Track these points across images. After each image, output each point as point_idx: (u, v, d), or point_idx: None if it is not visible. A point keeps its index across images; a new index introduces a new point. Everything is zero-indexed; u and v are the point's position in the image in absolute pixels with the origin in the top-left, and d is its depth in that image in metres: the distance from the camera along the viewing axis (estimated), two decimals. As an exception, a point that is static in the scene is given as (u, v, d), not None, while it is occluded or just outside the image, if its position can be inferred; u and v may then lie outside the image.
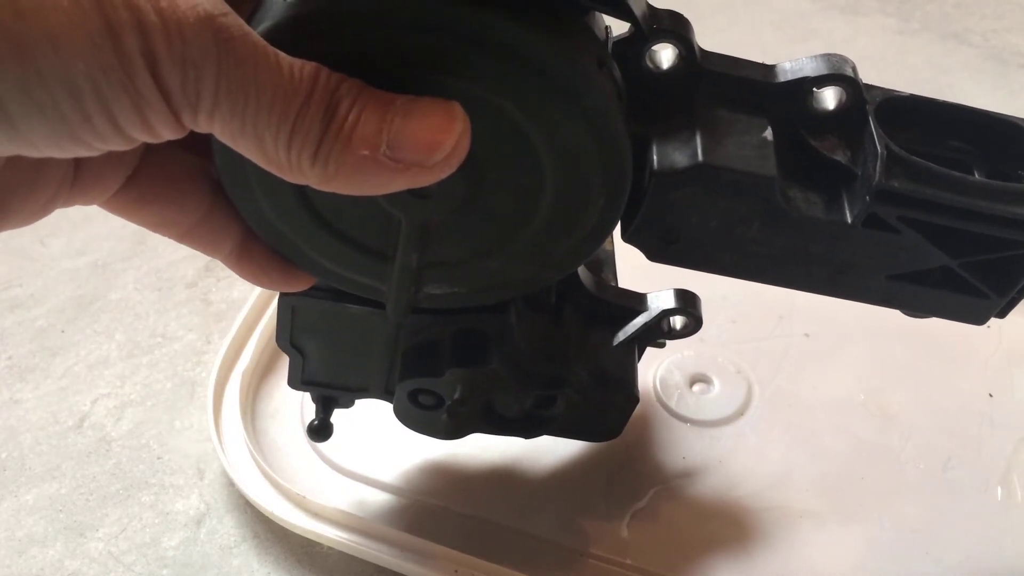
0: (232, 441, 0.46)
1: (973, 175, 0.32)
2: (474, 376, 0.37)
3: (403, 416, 0.40)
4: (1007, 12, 0.85)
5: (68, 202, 0.28)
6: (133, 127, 0.22)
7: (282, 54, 0.23)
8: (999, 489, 0.45)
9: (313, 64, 0.23)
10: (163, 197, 0.30)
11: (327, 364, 0.39)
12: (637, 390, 0.40)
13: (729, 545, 0.43)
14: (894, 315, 0.50)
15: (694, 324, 0.41)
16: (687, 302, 0.40)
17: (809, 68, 0.31)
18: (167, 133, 0.23)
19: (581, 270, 0.39)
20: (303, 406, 0.48)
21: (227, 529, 0.44)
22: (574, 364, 0.39)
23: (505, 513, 0.44)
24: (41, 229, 0.59)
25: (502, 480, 0.45)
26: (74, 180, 0.28)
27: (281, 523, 0.43)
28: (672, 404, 0.48)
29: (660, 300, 0.40)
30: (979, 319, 0.35)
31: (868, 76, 0.31)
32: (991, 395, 0.49)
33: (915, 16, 0.84)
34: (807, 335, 0.52)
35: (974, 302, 0.34)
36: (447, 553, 0.41)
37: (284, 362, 0.49)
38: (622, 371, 0.40)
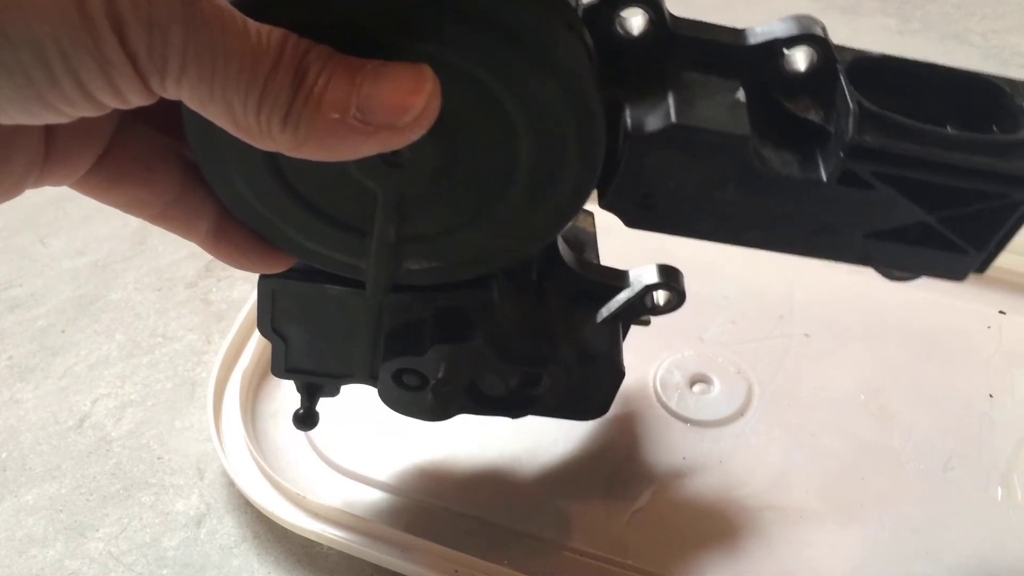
0: (232, 441, 0.46)
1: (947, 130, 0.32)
2: (457, 353, 0.37)
3: (388, 399, 0.40)
4: (1007, 12, 0.85)
5: (39, 182, 0.28)
6: (101, 91, 0.22)
7: (250, 20, 0.23)
8: (999, 489, 0.45)
9: (281, 30, 0.23)
10: (135, 177, 0.30)
11: (310, 350, 0.39)
12: (623, 365, 0.40)
13: (729, 545, 0.43)
14: (894, 315, 0.50)
15: (677, 299, 0.40)
16: (670, 276, 0.40)
17: (779, 30, 0.31)
18: (136, 98, 0.23)
19: (562, 248, 0.39)
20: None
21: (227, 529, 0.44)
22: (558, 341, 0.39)
23: (505, 513, 0.44)
24: (41, 229, 0.59)
25: (502, 480, 0.45)
26: (45, 159, 0.27)
27: (281, 523, 0.43)
28: (672, 404, 0.48)
29: (643, 276, 0.40)
30: (958, 274, 0.35)
31: None
32: (991, 395, 0.49)
33: (915, 16, 0.84)
34: (807, 335, 0.52)
35: (952, 257, 0.34)
36: (447, 553, 0.41)
37: (284, 362, 0.49)
38: (607, 347, 0.40)
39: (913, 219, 0.32)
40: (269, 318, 0.38)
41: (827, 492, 0.45)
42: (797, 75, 0.31)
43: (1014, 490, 0.45)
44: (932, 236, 0.33)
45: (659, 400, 0.48)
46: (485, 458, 0.45)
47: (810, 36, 0.30)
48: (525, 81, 0.27)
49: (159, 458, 0.47)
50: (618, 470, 0.46)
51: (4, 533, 0.44)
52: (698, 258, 0.44)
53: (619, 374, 0.40)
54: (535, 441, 0.46)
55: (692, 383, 0.49)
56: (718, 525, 0.44)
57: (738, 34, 0.31)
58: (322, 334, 0.38)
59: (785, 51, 0.31)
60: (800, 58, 0.31)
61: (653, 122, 0.30)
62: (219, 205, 0.31)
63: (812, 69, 0.31)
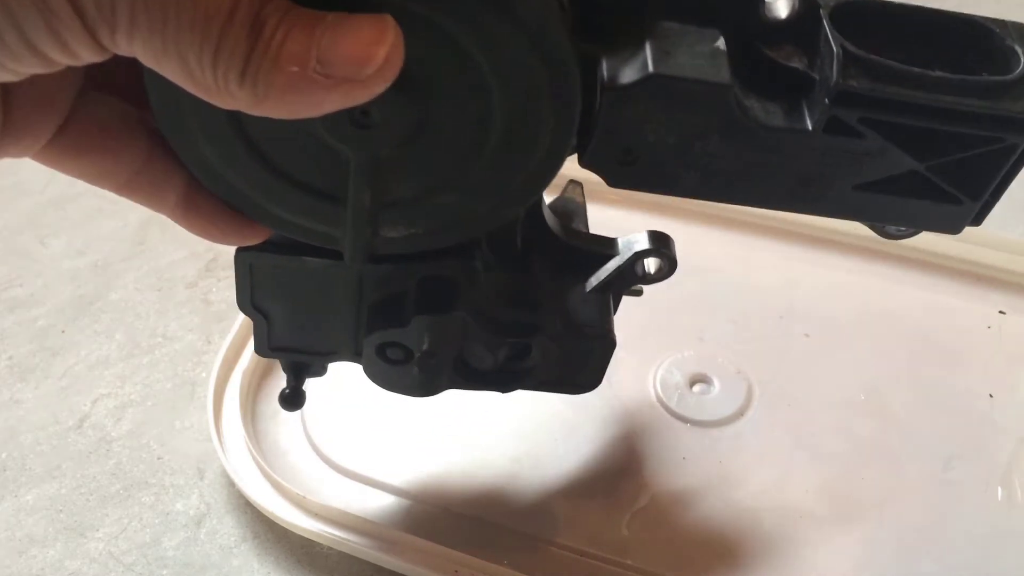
0: (232, 441, 0.46)
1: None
2: (441, 324, 0.36)
3: (374, 375, 0.39)
4: (1007, 12, 0.84)
5: None
6: (49, 47, 0.22)
7: None
8: (999, 489, 0.45)
9: None
10: (98, 146, 0.29)
11: (293, 327, 0.38)
12: (614, 334, 0.39)
13: (729, 545, 0.43)
14: (894, 315, 0.50)
15: (668, 266, 0.39)
16: (660, 243, 0.39)
17: None
18: (86, 54, 0.23)
19: (548, 216, 0.38)
20: (301, 410, 0.48)
21: (227, 529, 0.44)
22: (545, 311, 0.38)
23: (505, 513, 0.44)
24: (41, 229, 0.59)
25: (502, 480, 0.45)
26: (2, 127, 0.27)
27: (281, 523, 0.43)
28: (672, 404, 0.48)
29: (633, 242, 0.39)
30: (954, 227, 0.34)
31: None
32: (991, 395, 0.49)
33: (915, 16, 0.84)
34: (807, 335, 0.52)
35: (947, 209, 0.33)
36: (447, 553, 0.41)
37: (284, 362, 0.49)
38: (597, 316, 0.39)
39: (903, 168, 0.31)
40: (248, 294, 0.37)
41: (827, 492, 0.45)
42: (779, 22, 0.30)
43: (1014, 490, 0.45)
44: (924, 186, 0.32)
45: (659, 400, 0.48)
46: (485, 458, 0.45)
47: None
48: (493, 33, 0.26)
49: (159, 458, 0.47)
50: (618, 470, 0.46)
51: (4, 533, 0.44)
52: (698, 258, 0.44)
53: (610, 344, 0.39)
54: (535, 441, 0.46)
55: (692, 383, 0.49)
56: (718, 525, 0.44)
57: None
58: (303, 309, 0.37)
59: None
60: (781, 4, 0.30)
61: (630, 73, 0.29)
62: (187, 175, 0.30)
63: (794, 15, 0.30)
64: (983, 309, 0.54)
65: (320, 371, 0.41)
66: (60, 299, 0.55)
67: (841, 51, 0.29)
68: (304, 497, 0.43)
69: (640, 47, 0.30)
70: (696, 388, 0.49)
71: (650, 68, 0.29)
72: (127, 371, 0.51)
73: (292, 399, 0.40)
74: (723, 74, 0.29)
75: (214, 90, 0.23)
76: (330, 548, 0.43)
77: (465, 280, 0.35)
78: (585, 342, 0.39)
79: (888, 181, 0.32)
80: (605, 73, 0.29)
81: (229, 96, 0.23)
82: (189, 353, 0.52)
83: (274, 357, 0.40)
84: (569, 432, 0.46)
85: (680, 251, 0.39)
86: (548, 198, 0.40)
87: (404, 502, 0.44)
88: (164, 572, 0.43)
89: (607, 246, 0.40)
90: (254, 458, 0.45)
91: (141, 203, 0.31)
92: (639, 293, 0.41)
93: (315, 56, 0.23)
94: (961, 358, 0.51)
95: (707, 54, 0.30)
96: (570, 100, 0.28)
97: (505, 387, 0.41)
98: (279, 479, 0.43)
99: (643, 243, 0.39)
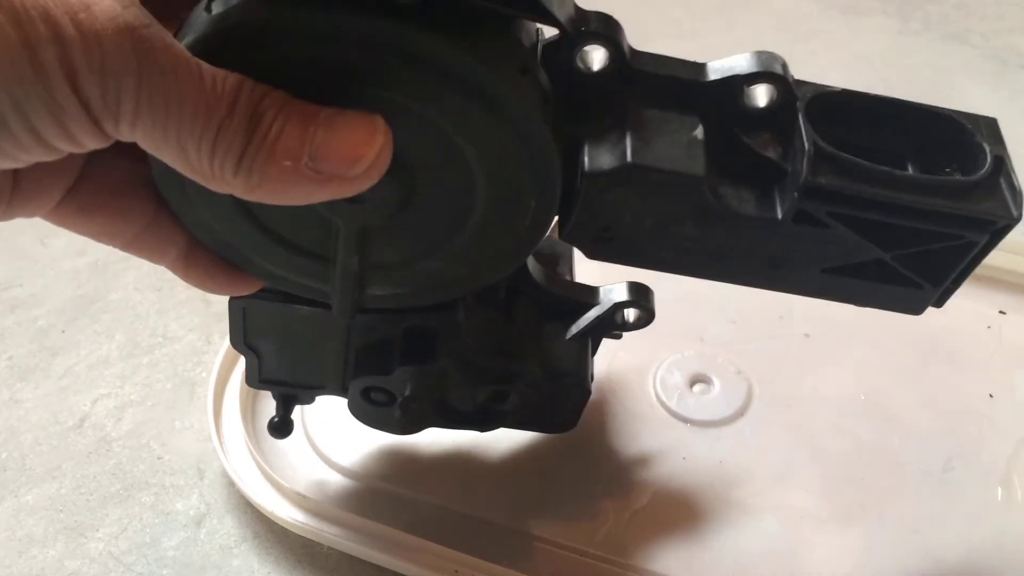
0: (232, 441, 0.46)
1: (907, 168, 0.32)
2: (423, 373, 0.37)
3: (358, 412, 0.40)
4: (1007, 13, 0.85)
5: (7, 214, 0.28)
6: (55, 137, 0.23)
7: (205, 65, 0.23)
8: (999, 489, 0.45)
9: (237, 76, 0.24)
10: (106, 207, 0.30)
11: (283, 363, 0.40)
12: (589, 383, 0.41)
13: (729, 545, 0.43)
14: (894, 315, 0.50)
15: (647, 317, 0.41)
16: (640, 295, 0.40)
17: (739, 66, 0.31)
18: (90, 143, 0.23)
19: (532, 264, 0.39)
20: (303, 407, 0.48)
21: (227, 529, 0.44)
22: (525, 359, 0.39)
23: (505, 513, 0.44)
24: (42, 229, 0.59)
25: (502, 480, 0.45)
26: (12, 192, 0.28)
27: (281, 523, 0.43)
28: (672, 404, 0.48)
29: (613, 293, 0.41)
30: (916, 309, 0.35)
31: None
32: (991, 395, 0.49)
33: (915, 16, 0.84)
34: (807, 335, 0.52)
35: (909, 292, 0.34)
36: (447, 553, 0.41)
37: (284, 362, 0.49)
38: (574, 364, 0.40)
39: (869, 256, 0.33)
40: (241, 334, 0.38)
41: (827, 492, 0.45)
42: (757, 111, 0.31)
43: (1014, 490, 0.45)
44: (888, 272, 0.33)
45: (659, 400, 0.48)
46: (485, 458, 0.45)
47: (769, 74, 0.30)
48: (479, 125, 0.27)
49: (159, 458, 0.47)
50: (618, 470, 0.46)
51: (4, 533, 0.44)
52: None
53: (585, 392, 0.41)
54: (535, 442, 0.46)
55: (692, 383, 0.49)
56: (718, 525, 0.44)
57: (698, 69, 0.31)
58: (294, 349, 0.39)
59: (745, 87, 0.31)
60: (760, 94, 0.31)
61: (609, 160, 0.30)
62: (188, 232, 0.32)
63: (772, 105, 0.31)
64: (983, 309, 0.54)
65: (309, 400, 0.42)
66: (60, 299, 0.55)
67: (812, 148, 0.30)
68: (304, 497, 0.43)
69: (621, 134, 0.31)
70: (696, 388, 0.49)
71: (628, 158, 0.30)
72: (127, 371, 0.51)
73: (280, 427, 0.41)
74: (698, 166, 0.30)
75: (209, 176, 0.24)
76: (330, 548, 0.43)
77: (448, 331, 0.37)
78: (561, 389, 0.41)
79: (854, 266, 0.33)
80: (587, 158, 0.30)
81: (224, 183, 0.24)
82: (189, 353, 0.52)
83: (264, 389, 0.42)
84: (569, 433, 0.46)
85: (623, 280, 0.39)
86: None
87: (404, 502, 0.44)
88: (164, 572, 0.43)
89: (588, 295, 0.41)
90: (254, 458, 0.45)
91: (144, 258, 0.32)
92: (619, 337, 0.43)
93: (308, 152, 0.24)
94: (961, 358, 0.51)
95: (684, 143, 0.31)
96: (551, 185, 0.29)
97: (484, 427, 0.42)
98: (279, 479, 0.43)
99: (623, 294, 0.41)
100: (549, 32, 0.29)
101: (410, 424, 0.41)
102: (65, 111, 0.22)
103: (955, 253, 0.32)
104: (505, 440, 0.43)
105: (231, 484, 0.45)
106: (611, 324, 0.41)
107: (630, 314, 0.41)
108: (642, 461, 0.46)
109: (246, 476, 0.44)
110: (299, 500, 0.43)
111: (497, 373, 0.39)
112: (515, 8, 0.26)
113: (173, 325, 0.54)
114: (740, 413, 0.48)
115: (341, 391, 0.40)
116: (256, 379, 0.40)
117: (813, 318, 0.53)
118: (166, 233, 0.31)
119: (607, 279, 0.41)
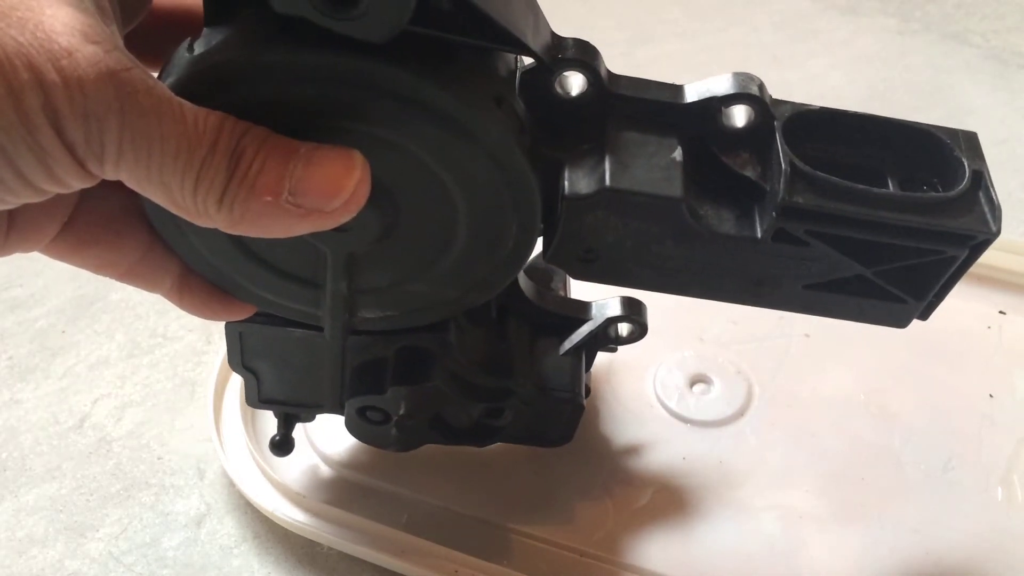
0: (232, 441, 0.46)
1: (887, 185, 0.32)
2: (416, 392, 0.38)
3: (355, 431, 0.41)
4: (1007, 12, 0.85)
5: (4, 251, 0.29)
6: (41, 179, 0.23)
7: (188, 105, 0.24)
8: (999, 489, 0.45)
9: (219, 114, 0.24)
10: (102, 240, 0.31)
11: (281, 383, 0.40)
12: (583, 398, 0.41)
13: (729, 545, 0.43)
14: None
15: (640, 331, 0.42)
16: (632, 309, 0.41)
17: (716, 88, 0.31)
18: (76, 183, 0.24)
19: (524, 282, 0.40)
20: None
21: (227, 529, 0.44)
22: (518, 375, 0.39)
23: (505, 513, 0.44)
24: (41, 229, 0.59)
25: (502, 480, 0.45)
26: (8, 229, 0.28)
27: (281, 523, 0.43)
28: (672, 404, 0.48)
29: (606, 308, 0.41)
30: (900, 323, 0.36)
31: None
32: (991, 395, 0.49)
33: (915, 16, 0.84)
34: (807, 335, 0.52)
35: (893, 307, 0.34)
36: (447, 553, 0.41)
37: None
38: (567, 380, 0.41)
39: (851, 272, 0.33)
40: (239, 357, 0.39)
41: (827, 492, 0.45)
42: (735, 131, 0.31)
43: (1014, 490, 0.45)
44: (871, 288, 0.34)
45: (659, 400, 0.48)
46: (485, 458, 0.45)
47: (746, 96, 0.31)
48: (456, 156, 0.28)
49: (159, 458, 0.47)
50: (618, 470, 0.46)
51: (4, 533, 0.44)
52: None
53: (578, 408, 0.41)
54: (535, 441, 0.46)
55: (692, 383, 0.49)
56: (718, 525, 0.44)
57: (676, 91, 0.32)
58: (290, 369, 0.40)
59: (723, 108, 0.31)
60: (738, 115, 0.31)
61: (588, 184, 0.31)
62: (182, 261, 0.33)
63: (750, 125, 0.31)
64: (983, 309, 0.54)
65: (309, 418, 0.43)
66: (60, 299, 0.55)
67: (789, 168, 0.30)
68: (304, 497, 0.43)
69: (600, 157, 0.31)
70: (696, 388, 0.49)
71: (607, 182, 0.30)
72: (127, 371, 0.51)
73: (282, 445, 0.42)
74: (675, 188, 0.31)
75: (193, 212, 0.25)
76: (330, 548, 0.43)
77: (440, 350, 0.37)
78: (554, 405, 0.41)
79: (837, 282, 0.34)
80: (566, 182, 0.31)
81: (207, 218, 0.25)
82: (189, 353, 0.52)
83: (264, 408, 0.42)
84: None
85: (616, 295, 0.39)
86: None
87: (404, 502, 0.44)
88: (164, 572, 0.43)
89: (581, 311, 0.42)
90: (254, 458, 0.45)
91: (139, 287, 0.33)
92: (613, 350, 0.44)
93: (288, 187, 0.25)
94: (961, 358, 0.51)
95: (662, 166, 0.31)
96: (530, 210, 0.30)
97: (481, 443, 0.43)
98: (279, 479, 0.43)
99: (616, 309, 0.41)
100: (530, 59, 0.30)
101: (407, 442, 0.42)
102: (50, 155, 0.22)
103: (936, 267, 0.32)
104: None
105: (231, 484, 0.45)
106: (604, 339, 0.42)
107: (623, 328, 0.42)
108: (642, 461, 0.46)
109: (246, 476, 0.44)
110: (299, 500, 0.43)
111: (490, 391, 0.39)
112: (489, 41, 0.27)
113: (173, 325, 0.54)
114: (740, 413, 0.48)
115: (338, 410, 0.41)
116: (256, 399, 0.41)
117: (813, 318, 0.52)
118: (161, 263, 0.32)
119: (603, 295, 0.41)
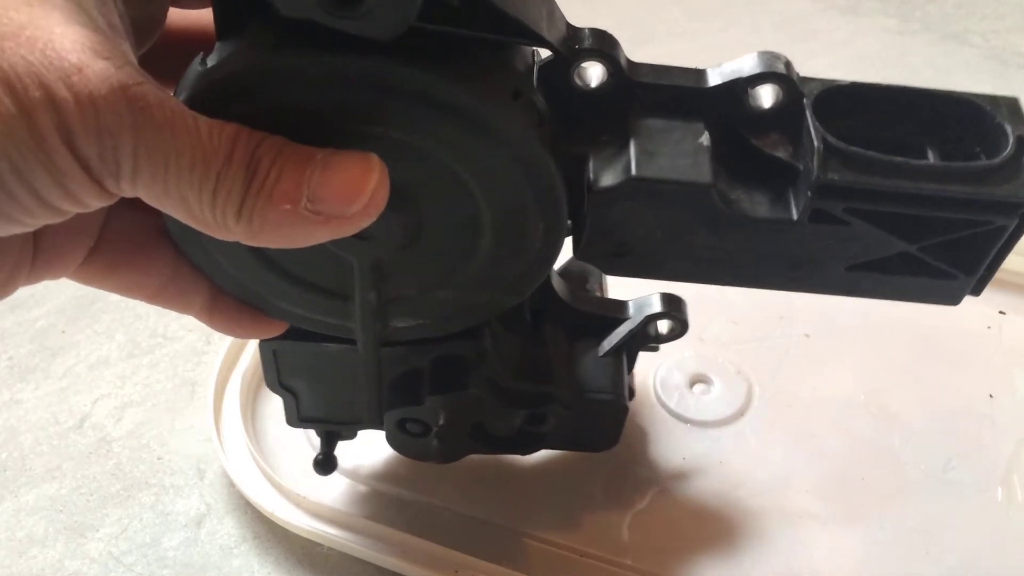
0: (232, 441, 0.46)
1: (927, 157, 0.31)
2: (454, 401, 0.37)
3: (396, 444, 0.40)
4: (1007, 12, 0.85)
5: (31, 279, 0.29)
6: (59, 199, 0.23)
7: (202, 117, 0.23)
8: (999, 489, 0.45)
9: (233, 125, 0.24)
10: (129, 262, 0.31)
11: (319, 400, 0.40)
12: (625, 398, 0.40)
13: (729, 545, 0.43)
14: (894, 315, 0.50)
15: (680, 328, 0.41)
16: (672, 306, 0.40)
17: (741, 69, 0.30)
18: (94, 201, 0.24)
19: (558, 283, 0.39)
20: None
21: (227, 529, 0.44)
22: (557, 380, 0.39)
23: (505, 513, 0.44)
24: (41, 229, 0.59)
25: (502, 480, 0.45)
26: (35, 257, 0.28)
27: (281, 523, 0.43)
28: (672, 404, 0.48)
29: (644, 306, 0.40)
30: (952, 299, 0.34)
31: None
32: (991, 395, 0.49)
33: (915, 16, 0.84)
34: (807, 335, 0.52)
35: (943, 284, 0.33)
36: (447, 553, 0.41)
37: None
38: (608, 381, 0.40)
39: (894, 250, 0.32)
40: (275, 376, 0.39)
41: (827, 492, 0.45)
42: (764, 112, 0.31)
43: (1014, 490, 0.45)
44: (917, 265, 0.32)
45: (659, 400, 0.48)
46: (485, 458, 0.45)
47: (772, 75, 0.30)
48: (475, 153, 0.28)
49: (159, 458, 0.47)
50: (618, 470, 0.46)
51: (4, 533, 0.44)
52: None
53: (622, 408, 0.40)
54: (535, 441, 0.46)
55: (692, 383, 0.49)
56: (718, 525, 0.44)
57: (699, 75, 0.31)
58: (327, 386, 0.39)
59: (749, 89, 0.30)
60: (765, 95, 0.30)
61: (613, 176, 0.30)
62: (211, 280, 0.32)
63: (778, 105, 0.30)
64: (983, 309, 0.54)
65: (350, 436, 0.42)
66: (60, 299, 0.55)
67: (822, 145, 0.29)
68: (304, 497, 0.43)
69: (625, 146, 0.30)
70: (696, 388, 0.49)
71: (633, 171, 0.29)
72: (127, 371, 0.51)
73: (325, 464, 0.41)
74: (704, 174, 0.30)
75: (212, 225, 0.25)
76: (330, 548, 0.43)
77: (475, 357, 0.36)
78: (597, 408, 0.40)
79: (880, 261, 0.32)
80: (592, 175, 0.30)
81: (227, 231, 0.25)
82: (189, 353, 0.52)
83: (304, 427, 0.42)
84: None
85: (654, 291, 0.39)
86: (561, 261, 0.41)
87: (404, 502, 0.44)
88: (164, 572, 0.43)
89: (618, 310, 0.41)
90: (254, 458, 0.45)
91: (170, 308, 0.33)
92: (655, 350, 0.42)
93: (306, 195, 0.24)
94: (961, 358, 0.51)
95: (690, 151, 0.30)
96: (555, 206, 0.29)
97: (525, 450, 0.42)
98: (279, 479, 0.43)
99: (655, 306, 0.40)
100: (548, 52, 0.29)
101: (449, 453, 0.41)
102: (65, 173, 0.22)
103: (985, 239, 0.31)
104: (505, 440, 0.43)
105: (231, 484, 0.45)
106: (644, 337, 0.40)
107: (663, 326, 0.40)
108: (642, 461, 0.46)
109: (246, 476, 0.44)
110: (299, 500, 0.43)
111: (529, 396, 0.38)
112: (503, 35, 0.26)
113: (173, 325, 0.54)
114: (740, 413, 0.48)
115: (378, 424, 0.40)
116: (296, 418, 0.41)
117: (813, 318, 0.53)
118: (190, 283, 0.32)
119: (641, 293, 0.41)
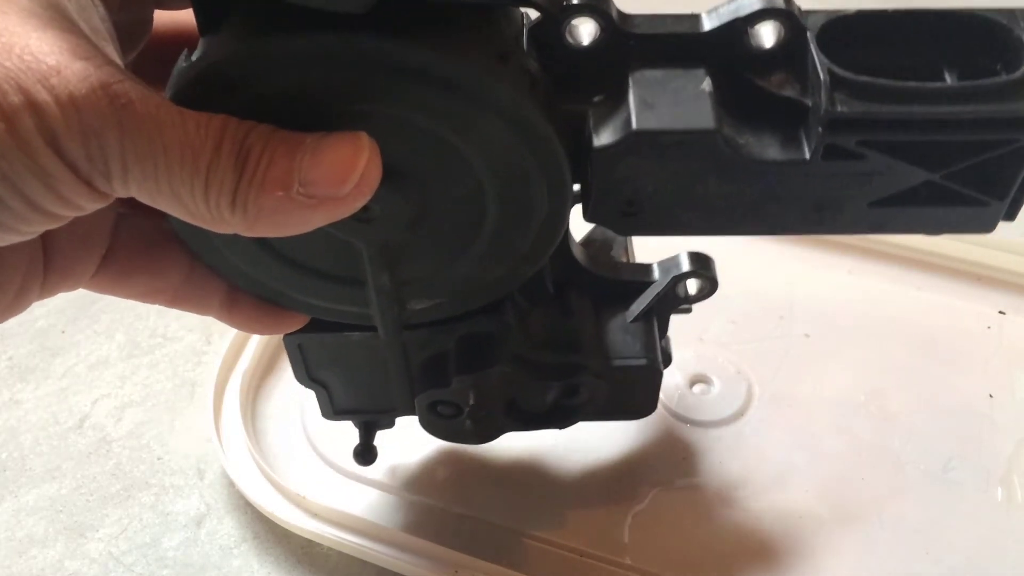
0: (232, 441, 0.46)
1: (945, 80, 0.29)
2: (482, 380, 0.37)
3: (430, 428, 0.40)
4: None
5: (45, 292, 0.29)
6: (51, 203, 0.23)
7: (187, 111, 0.23)
8: (999, 489, 0.45)
9: (221, 116, 0.24)
10: (143, 267, 0.31)
11: (351, 391, 0.40)
12: (659, 362, 0.39)
13: (729, 546, 0.43)
14: (894, 315, 0.50)
15: (710, 286, 0.39)
16: (700, 264, 0.38)
17: (739, 8, 0.29)
18: (88, 203, 0.23)
19: (578, 252, 0.38)
20: (303, 407, 0.48)
21: (227, 530, 0.44)
22: (586, 349, 0.38)
23: (505, 513, 0.44)
24: (41, 229, 0.59)
25: (502, 480, 0.45)
26: (46, 270, 0.28)
27: (281, 523, 0.43)
28: (672, 404, 0.48)
29: (670, 266, 0.39)
30: (986, 227, 0.32)
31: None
32: (991, 395, 0.49)
33: (915, 16, 0.84)
34: (807, 335, 0.52)
35: (974, 211, 0.31)
36: (447, 553, 0.41)
37: (284, 363, 0.49)
38: (640, 347, 0.39)
39: (917, 180, 0.30)
40: (304, 369, 0.38)
41: (827, 492, 0.45)
42: (766, 52, 0.29)
43: (1014, 490, 0.45)
44: (943, 193, 0.30)
45: (659, 400, 0.48)
46: (486, 458, 0.45)
47: (772, 10, 0.28)
48: (468, 122, 0.27)
49: (159, 458, 0.47)
50: (618, 470, 0.46)
51: (4, 533, 0.44)
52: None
53: (656, 372, 0.39)
54: (535, 441, 0.46)
55: (692, 383, 0.49)
56: (718, 525, 0.44)
57: (694, 20, 0.29)
58: (357, 375, 0.39)
59: (749, 29, 0.29)
60: (765, 33, 0.29)
61: (613, 132, 0.29)
62: (226, 279, 0.32)
63: (781, 42, 0.29)
64: (983, 309, 0.54)
65: (389, 424, 0.42)
66: (60, 299, 0.55)
67: (828, 76, 0.28)
68: (304, 497, 0.43)
69: (624, 101, 0.29)
70: (696, 388, 0.49)
71: (633, 125, 0.29)
72: (127, 371, 0.51)
73: (365, 454, 0.41)
74: (707, 119, 0.29)
75: (208, 219, 0.25)
76: (330, 548, 0.43)
77: (500, 333, 0.36)
78: (630, 374, 0.39)
79: (904, 194, 0.31)
80: (592, 134, 0.29)
81: (223, 222, 0.25)
82: (189, 353, 0.52)
83: (341, 420, 0.41)
84: (569, 433, 0.46)
85: (680, 251, 0.39)
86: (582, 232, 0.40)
87: (404, 502, 0.44)
88: (164, 572, 0.43)
89: (642, 273, 0.39)
90: (254, 458, 0.45)
91: (190, 311, 0.33)
92: (688, 311, 0.41)
93: (297, 179, 0.24)
94: (961, 358, 0.51)
95: (690, 99, 0.29)
96: (557, 168, 0.29)
97: (562, 424, 0.41)
98: (279, 479, 0.43)
99: (682, 266, 0.38)
100: (537, 14, 0.29)
101: (483, 433, 0.40)
102: (53, 176, 0.22)
103: (1012, 160, 0.29)
104: (504, 441, 0.42)
105: (231, 484, 0.45)
106: (674, 299, 0.39)
107: (692, 286, 0.39)
108: (642, 461, 0.46)
109: (246, 476, 0.44)
110: (299, 501, 0.43)
111: (559, 368, 0.38)
112: None
113: (173, 325, 0.54)
114: (740, 413, 0.48)
115: (411, 410, 0.40)
116: (331, 412, 0.40)
117: (813, 318, 0.53)
118: (205, 283, 0.32)
119: (669, 253, 0.39)
